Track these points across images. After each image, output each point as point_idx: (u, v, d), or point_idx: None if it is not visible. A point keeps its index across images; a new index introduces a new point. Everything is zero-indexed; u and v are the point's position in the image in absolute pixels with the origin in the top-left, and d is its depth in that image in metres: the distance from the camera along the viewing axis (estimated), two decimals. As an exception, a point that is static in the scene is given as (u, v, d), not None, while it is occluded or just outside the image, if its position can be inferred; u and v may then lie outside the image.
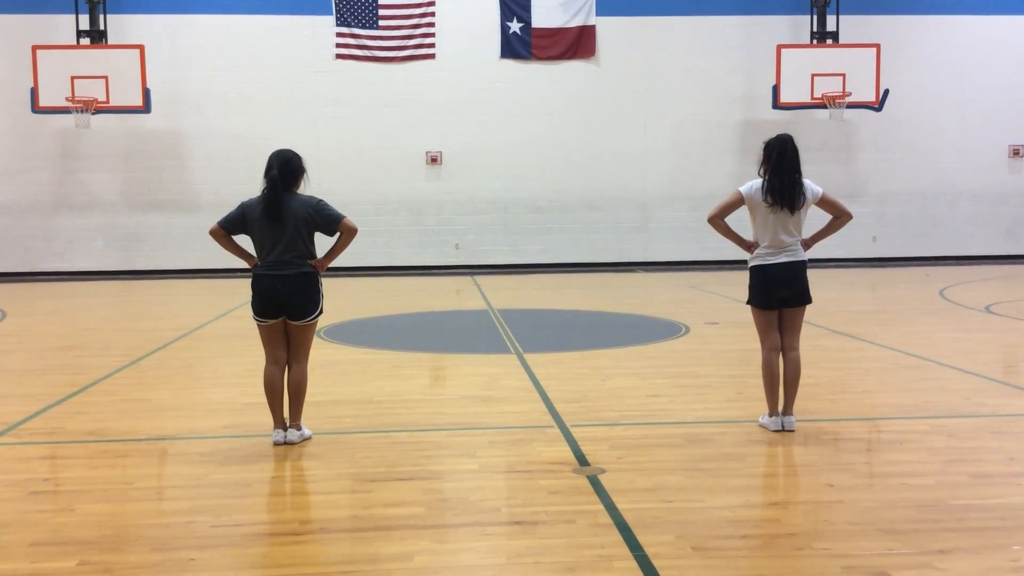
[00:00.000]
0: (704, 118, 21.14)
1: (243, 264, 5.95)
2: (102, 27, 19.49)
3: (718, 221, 6.03)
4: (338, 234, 5.75)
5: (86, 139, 19.99)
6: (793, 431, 5.85)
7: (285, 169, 5.65)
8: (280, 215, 5.61)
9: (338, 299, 14.16)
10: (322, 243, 5.70)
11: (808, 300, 5.96)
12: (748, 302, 6.06)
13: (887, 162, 21.59)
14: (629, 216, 21.29)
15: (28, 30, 19.57)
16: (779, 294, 5.90)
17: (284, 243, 5.64)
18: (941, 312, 12.52)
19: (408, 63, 20.62)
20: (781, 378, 5.98)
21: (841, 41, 20.43)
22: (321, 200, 5.76)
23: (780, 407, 5.99)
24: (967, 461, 5.24)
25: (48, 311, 14.19)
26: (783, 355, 5.98)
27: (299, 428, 5.82)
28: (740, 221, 5.85)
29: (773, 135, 5.97)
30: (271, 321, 5.72)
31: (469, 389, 7.45)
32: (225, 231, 5.81)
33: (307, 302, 5.68)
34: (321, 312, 5.80)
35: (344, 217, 5.75)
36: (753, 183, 5.93)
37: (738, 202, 5.96)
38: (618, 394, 7.14)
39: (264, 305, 5.69)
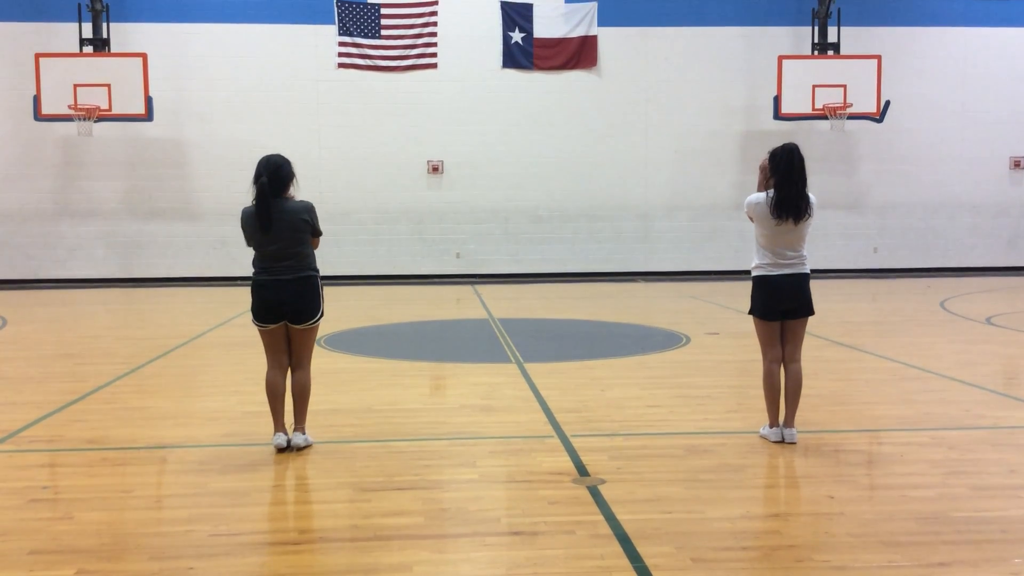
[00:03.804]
0: (705, 128, 21.16)
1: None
2: (105, 35, 19.54)
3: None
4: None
5: (88, 147, 20.01)
6: (794, 443, 5.84)
7: (275, 176, 5.64)
8: (271, 222, 5.60)
9: (338, 307, 14.16)
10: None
11: (811, 312, 5.94)
12: (750, 312, 6.05)
13: (888, 173, 21.61)
14: (630, 226, 21.30)
15: (31, 38, 19.62)
16: (781, 305, 5.87)
17: (281, 249, 5.66)
18: (942, 324, 12.52)
19: (410, 72, 20.66)
20: (782, 390, 5.97)
21: (842, 52, 20.47)
22: (312, 205, 5.82)
23: (781, 419, 5.98)
24: (968, 473, 5.23)
25: (48, 318, 14.19)
26: (784, 367, 5.97)
27: (304, 432, 5.82)
28: (743, 232, 5.84)
29: (779, 144, 5.92)
30: (271, 326, 5.73)
31: (469, 398, 7.45)
32: None
33: (307, 306, 5.69)
34: (322, 315, 5.81)
35: (320, 234, 5.87)
36: (755, 196, 5.90)
37: (749, 215, 5.99)
38: (618, 404, 7.13)
39: (264, 310, 5.70)
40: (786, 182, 5.75)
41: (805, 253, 5.92)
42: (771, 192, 5.80)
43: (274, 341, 5.78)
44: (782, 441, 5.87)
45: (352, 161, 20.66)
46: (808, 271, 5.93)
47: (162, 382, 8.44)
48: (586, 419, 6.62)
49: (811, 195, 5.84)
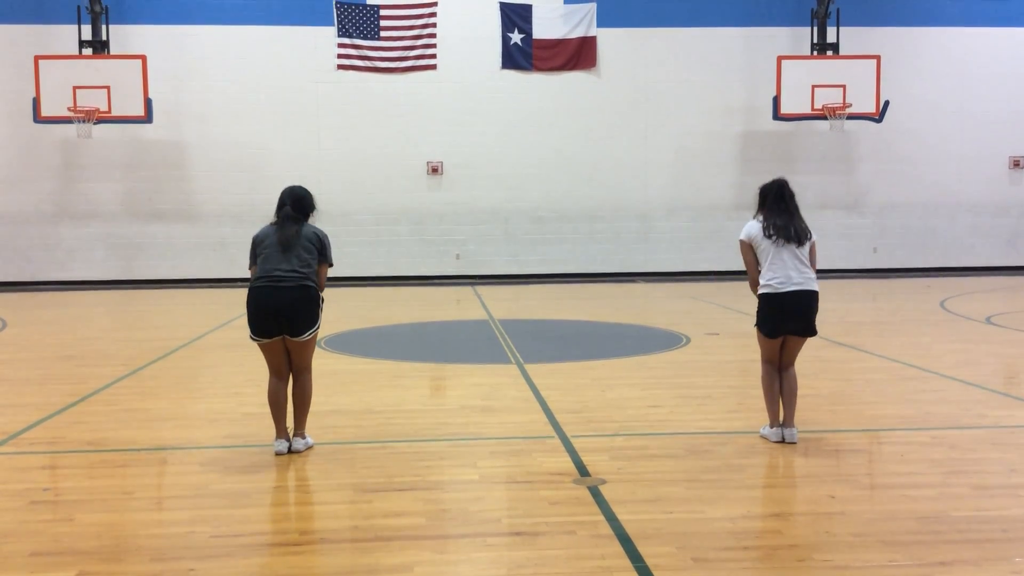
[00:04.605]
0: (705, 129, 21.17)
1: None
2: (104, 37, 19.56)
3: (756, 277, 6.01)
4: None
5: (87, 149, 20.02)
6: (795, 443, 5.84)
7: (298, 206, 5.85)
8: (291, 245, 5.73)
9: (338, 309, 14.15)
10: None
11: (813, 333, 5.94)
12: (756, 325, 6.05)
13: (888, 173, 21.62)
14: (630, 226, 21.31)
15: (30, 40, 19.63)
16: (788, 325, 5.86)
17: (289, 260, 5.71)
18: (942, 323, 12.52)
19: (409, 73, 20.68)
20: (780, 391, 5.98)
21: (841, 53, 20.48)
22: (327, 234, 5.99)
23: (781, 418, 5.99)
24: (968, 473, 5.23)
25: (48, 320, 14.19)
26: (780, 371, 5.98)
27: (304, 437, 5.85)
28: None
29: (769, 179, 6.05)
30: (268, 341, 5.71)
31: (469, 399, 7.45)
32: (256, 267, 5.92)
33: (305, 316, 5.68)
34: (318, 327, 5.82)
35: (331, 264, 5.94)
36: (750, 225, 5.97)
37: (750, 249, 5.96)
38: (619, 404, 7.13)
39: (261, 320, 5.66)
40: (776, 210, 5.84)
41: (811, 273, 5.90)
42: (764, 221, 5.87)
43: (274, 355, 5.81)
44: (782, 441, 5.87)
45: (352, 162, 20.67)
46: (816, 289, 5.91)
47: (162, 384, 8.44)
48: (586, 419, 6.62)
49: (807, 226, 5.90)
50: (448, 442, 6.09)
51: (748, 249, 5.97)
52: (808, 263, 5.88)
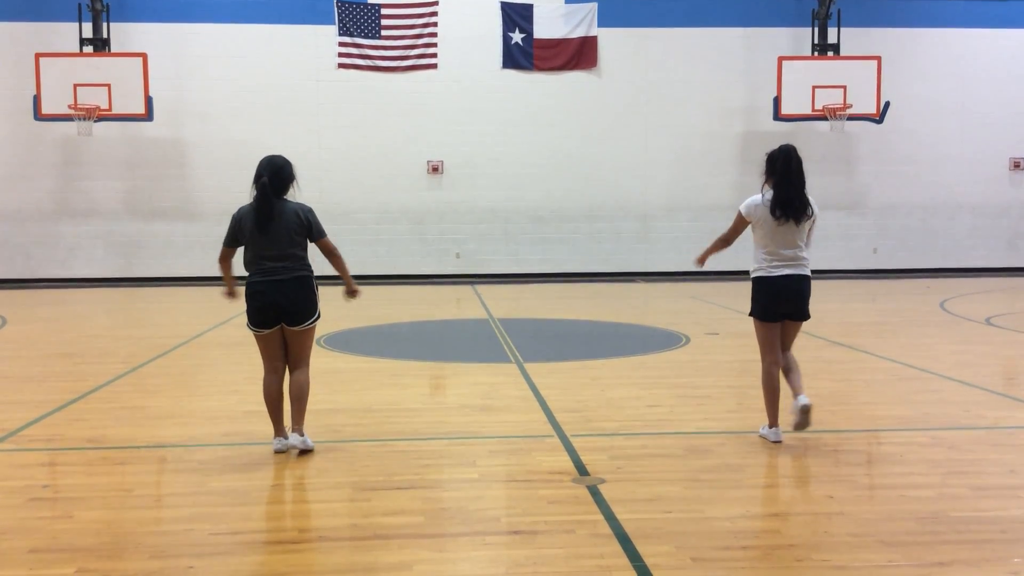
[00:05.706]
0: (705, 129, 21.18)
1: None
2: (105, 35, 19.57)
3: (730, 241, 6.05)
4: (332, 258, 5.81)
5: (88, 147, 20.02)
6: (808, 405, 5.63)
7: (276, 177, 5.62)
8: (271, 222, 5.56)
9: (338, 307, 14.11)
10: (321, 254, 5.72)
11: (807, 316, 5.95)
12: (750, 314, 6.04)
13: (888, 174, 21.63)
14: (630, 226, 21.31)
15: (31, 38, 19.63)
16: (782, 308, 5.86)
17: (278, 249, 5.60)
18: (941, 324, 12.52)
19: (410, 72, 20.68)
20: (781, 377, 5.93)
21: (842, 53, 20.50)
22: (311, 208, 5.78)
23: (780, 419, 5.96)
24: (967, 473, 5.23)
25: (48, 318, 14.19)
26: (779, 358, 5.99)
27: (302, 433, 5.79)
28: (743, 233, 5.83)
29: (776, 147, 5.92)
30: (267, 331, 5.67)
31: (469, 398, 7.45)
32: (231, 248, 5.79)
33: (304, 307, 5.65)
34: (319, 316, 5.78)
35: (326, 236, 5.78)
36: (752, 199, 5.90)
37: (743, 222, 5.95)
38: (618, 404, 7.13)
39: (261, 314, 5.63)
40: (784, 182, 5.75)
41: (806, 255, 5.90)
42: (767, 194, 5.81)
43: (270, 346, 5.72)
44: (780, 442, 5.86)
45: (352, 161, 20.67)
46: (809, 273, 5.91)
47: (162, 381, 8.44)
48: (586, 419, 6.62)
49: (811, 198, 5.83)
50: (447, 441, 6.09)
51: (742, 222, 5.93)
52: (803, 242, 5.86)
